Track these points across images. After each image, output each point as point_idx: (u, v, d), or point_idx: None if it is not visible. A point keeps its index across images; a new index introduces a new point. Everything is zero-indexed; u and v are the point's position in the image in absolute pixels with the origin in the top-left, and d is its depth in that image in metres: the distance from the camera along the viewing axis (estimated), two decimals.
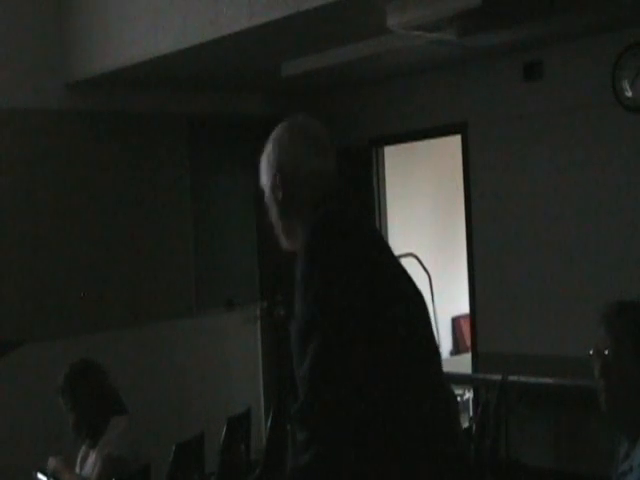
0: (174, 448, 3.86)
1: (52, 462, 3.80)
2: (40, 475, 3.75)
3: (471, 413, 6.32)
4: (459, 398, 6.79)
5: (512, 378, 5.29)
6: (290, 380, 2.16)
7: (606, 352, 2.04)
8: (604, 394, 2.04)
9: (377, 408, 1.96)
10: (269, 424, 4.88)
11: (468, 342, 6.99)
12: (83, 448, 3.87)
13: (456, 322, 8.27)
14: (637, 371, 1.99)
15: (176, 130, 6.71)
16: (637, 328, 2.01)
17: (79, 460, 3.87)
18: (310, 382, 1.92)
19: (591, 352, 2.09)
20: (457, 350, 8.20)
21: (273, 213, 2.22)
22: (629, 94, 5.34)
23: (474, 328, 6.34)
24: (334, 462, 1.91)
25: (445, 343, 8.07)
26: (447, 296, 7.90)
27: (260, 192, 2.30)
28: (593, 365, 2.08)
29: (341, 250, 2.00)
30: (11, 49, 5.82)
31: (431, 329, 2.17)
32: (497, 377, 5.32)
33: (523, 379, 5.35)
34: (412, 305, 2.12)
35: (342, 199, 2.19)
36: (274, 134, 2.28)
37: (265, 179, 2.22)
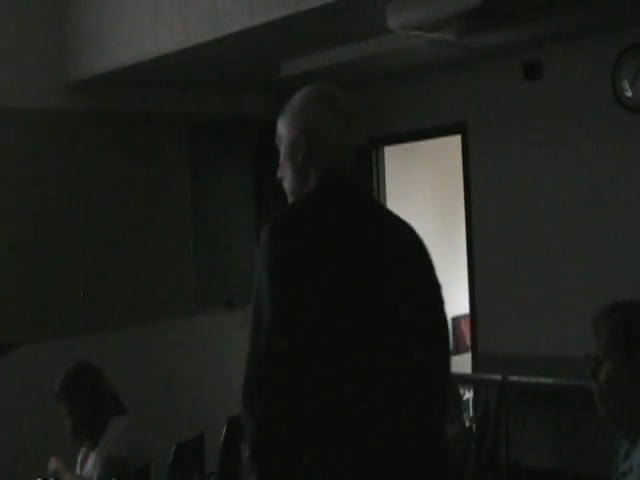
0: (174, 448, 3.86)
1: (53, 463, 3.80)
2: None
3: (471, 413, 6.32)
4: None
5: (512, 378, 5.29)
6: None
7: (597, 354, 2.03)
8: (597, 396, 2.03)
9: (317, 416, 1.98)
10: None
11: (468, 342, 6.99)
12: (83, 449, 3.87)
13: (456, 322, 8.26)
14: (627, 371, 1.98)
15: (176, 130, 6.71)
16: (625, 327, 2.00)
17: (79, 461, 3.88)
18: (242, 391, 2.03)
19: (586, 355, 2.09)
20: (457, 350, 8.19)
21: (287, 173, 2.16)
22: (629, 94, 5.34)
23: (474, 328, 6.34)
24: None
25: None
26: (447, 296, 7.89)
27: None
28: (585, 369, 2.07)
29: (297, 234, 1.99)
30: (11, 49, 5.82)
31: (420, 314, 2.13)
32: (497, 377, 5.32)
33: (523, 379, 5.35)
34: (385, 294, 2.07)
35: (349, 174, 2.19)
36: (302, 93, 2.18)
37: (285, 135, 2.15)
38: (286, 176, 2.17)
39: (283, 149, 2.17)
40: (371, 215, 2.18)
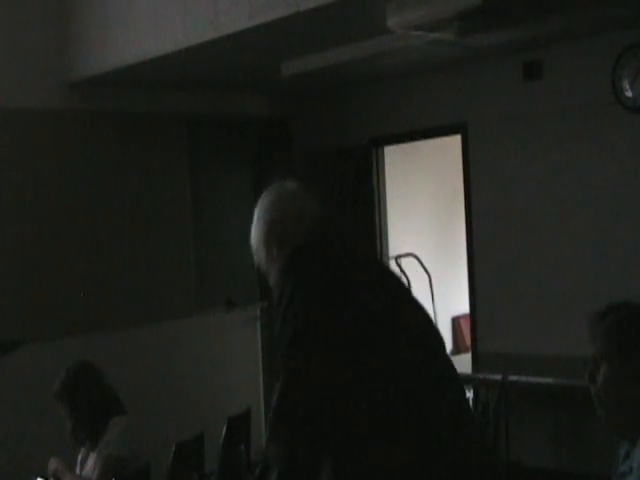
0: (174, 448, 3.86)
1: (53, 463, 3.81)
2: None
3: None
4: None
5: (512, 378, 5.29)
6: None
7: (593, 356, 2.03)
8: (595, 399, 2.03)
9: (356, 437, 2.08)
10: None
11: (468, 342, 6.99)
12: (83, 449, 3.87)
13: (456, 322, 8.27)
14: (624, 373, 1.98)
15: (176, 130, 6.71)
16: (621, 329, 2.00)
17: (79, 461, 3.88)
18: (272, 420, 2.08)
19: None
20: (457, 350, 8.20)
21: (270, 265, 2.42)
22: (629, 94, 5.34)
23: (474, 328, 6.35)
24: None
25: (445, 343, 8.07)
26: (447, 296, 7.91)
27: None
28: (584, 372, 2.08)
29: (308, 277, 2.21)
30: (11, 49, 5.82)
31: (430, 332, 2.29)
32: (497, 377, 5.32)
33: (523, 379, 5.35)
34: (399, 315, 2.25)
35: (327, 229, 2.39)
36: (262, 199, 2.53)
37: (257, 238, 2.49)
38: (268, 268, 2.45)
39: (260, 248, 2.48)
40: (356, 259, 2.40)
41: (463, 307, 7.40)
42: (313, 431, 2.07)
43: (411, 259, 7.63)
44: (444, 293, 7.85)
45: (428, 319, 2.34)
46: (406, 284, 2.49)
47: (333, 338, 2.10)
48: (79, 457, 3.89)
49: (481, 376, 5.76)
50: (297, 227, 2.36)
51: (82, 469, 3.83)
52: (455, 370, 2.32)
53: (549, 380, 5.27)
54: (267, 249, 2.42)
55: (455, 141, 6.45)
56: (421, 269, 7.70)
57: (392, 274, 2.46)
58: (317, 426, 2.07)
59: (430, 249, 7.96)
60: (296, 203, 2.43)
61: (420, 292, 7.61)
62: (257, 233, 2.48)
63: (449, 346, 8.26)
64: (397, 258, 7.38)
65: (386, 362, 2.14)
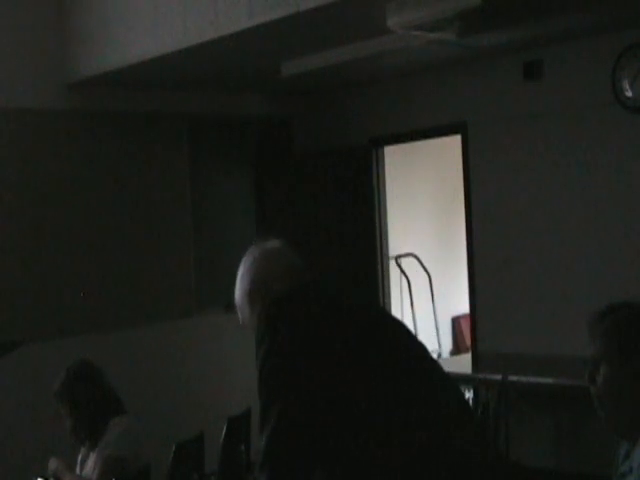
0: (174, 448, 3.86)
1: (53, 463, 3.81)
2: None
3: None
4: None
5: (512, 378, 5.29)
6: None
7: (593, 357, 2.03)
8: (595, 400, 2.03)
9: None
10: None
11: (468, 342, 6.99)
12: (83, 450, 3.87)
13: (456, 322, 8.27)
14: (623, 373, 1.97)
15: (176, 130, 6.71)
16: (620, 329, 2.00)
17: (79, 461, 3.88)
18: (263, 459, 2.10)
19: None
20: (457, 350, 8.20)
21: (251, 318, 2.44)
22: (629, 94, 5.34)
23: (474, 328, 6.35)
24: None
25: (445, 343, 8.08)
26: (447, 296, 7.91)
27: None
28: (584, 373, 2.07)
29: (286, 320, 2.26)
30: (11, 49, 5.82)
31: (415, 352, 2.33)
32: (497, 377, 5.32)
33: (523, 379, 5.35)
34: (380, 333, 2.31)
35: (308, 279, 2.42)
36: (247, 258, 2.55)
37: (241, 296, 2.47)
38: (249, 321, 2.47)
39: (242, 303, 2.47)
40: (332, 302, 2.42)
41: (463, 307, 7.40)
42: (308, 448, 2.12)
43: (411, 259, 7.63)
44: (444, 293, 7.86)
45: (409, 333, 2.41)
46: (393, 316, 2.56)
47: (318, 358, 2.16)
48: (79, 457, 3.89)
49: (481, 376, 5.76)
50: (281, 286, 2.39)
51: (82, 469, 3.83)
52: (447, 374, 2.37)
53: (549, 380, 5.27)
54: (251, 308, 2.44)
55: (455, 141, 6.45)
56: (421, 269, 7.71)
57: (374, 304, 2.63)
58: (311, 441, 2.11)
59: (430, 249, 7.96)
60: (280, 261, 2.47)
61: (420, 292, 7.62)
62: (241, 292, 2.48)
63: (449, 346, 8.27)
64: (397, 258, 7.38)
65: (376, 373, 2.19)
